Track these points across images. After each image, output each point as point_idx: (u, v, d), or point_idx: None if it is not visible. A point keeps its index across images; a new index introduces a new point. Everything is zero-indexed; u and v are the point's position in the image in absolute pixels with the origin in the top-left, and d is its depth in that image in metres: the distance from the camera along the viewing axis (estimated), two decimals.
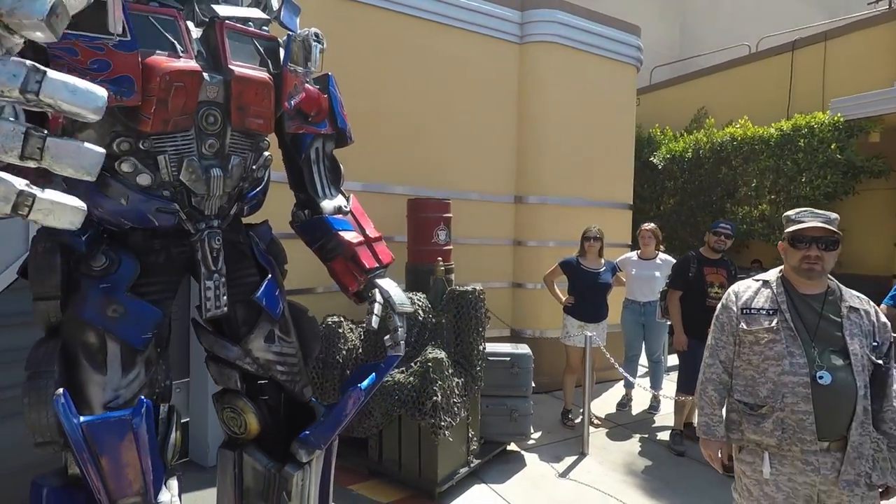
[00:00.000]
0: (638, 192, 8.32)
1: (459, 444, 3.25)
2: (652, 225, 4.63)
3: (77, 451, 1.13)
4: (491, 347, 3.64)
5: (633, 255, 4.68)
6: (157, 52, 1.27)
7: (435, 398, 2.94)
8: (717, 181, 7.50)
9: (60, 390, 1.14)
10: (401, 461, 3.19)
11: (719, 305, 2.02)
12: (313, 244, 1.82)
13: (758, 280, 1.97)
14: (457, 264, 4.20)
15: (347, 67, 4.10)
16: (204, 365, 1.77)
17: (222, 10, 1.44)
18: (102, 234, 1.40)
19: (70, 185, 1.39)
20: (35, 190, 0.77)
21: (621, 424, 4.42)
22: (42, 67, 0.75)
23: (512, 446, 3.81)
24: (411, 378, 3.07)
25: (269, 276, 1.66)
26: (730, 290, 2.02)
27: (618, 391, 5.08)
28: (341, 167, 1.88)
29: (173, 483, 1.43)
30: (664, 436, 4.13)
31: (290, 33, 1.56)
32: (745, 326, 1.87)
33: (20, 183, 0.76)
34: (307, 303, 1.94)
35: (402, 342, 1.77)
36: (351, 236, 1.77)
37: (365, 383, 1.62)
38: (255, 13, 1.53)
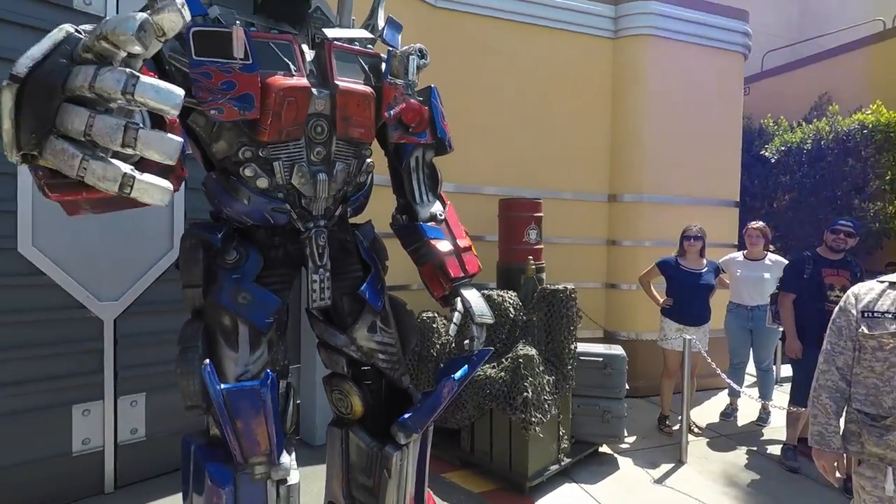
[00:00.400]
0: (747, 188, 7.73)
1: (550, 442, 3.27)
2: (760, 223, 4.31)
3: (219, 413, 1.34)
4: (583, 347, 3.61)
5: (739, 255, 4.38)
6: (275, 72, 1.46)
7: (525, 394, 2.99)
8: (843, 174, 6.76)
9: (207, 361, 1.35)
10: (492, 453, 3.27)
11: (836, 308, 1.89)
12: (408, 247, 1.94)
13: (882, 282, 1.82)
14: (548, 264, 4.21)
15: (439, 73, 4.26)
16: (313, 352, 1.97)
17: (331, 32, 1.62)
18: (234, 232, 1.63)
19: (207, 188, 1.64)
20: (135, 173, 0.94)
21: (724, 435, 4.16)
22: (137, 73, 0.90)
23: (604, 448, 3.75)
24: (502, 373, 3.14)
25: (372, 271, 1.82)
26: (849, 291, 1.88)
27: (721, 400, 4.79)
28: (440, 175, 1.98)
29: (291, 451, 1.62)
30: (774, 450, 3.84)
31: (391, 49, 1.71)
32: (866, 330, 1.73)
33: (126, 167, 0.93)
34: (404, 298, 2.08)
35: (482, 341, 1.83)
36: (442, 245, 1.85)
37: (458, 374, 1.71)
38: (361, 33, 1.69)
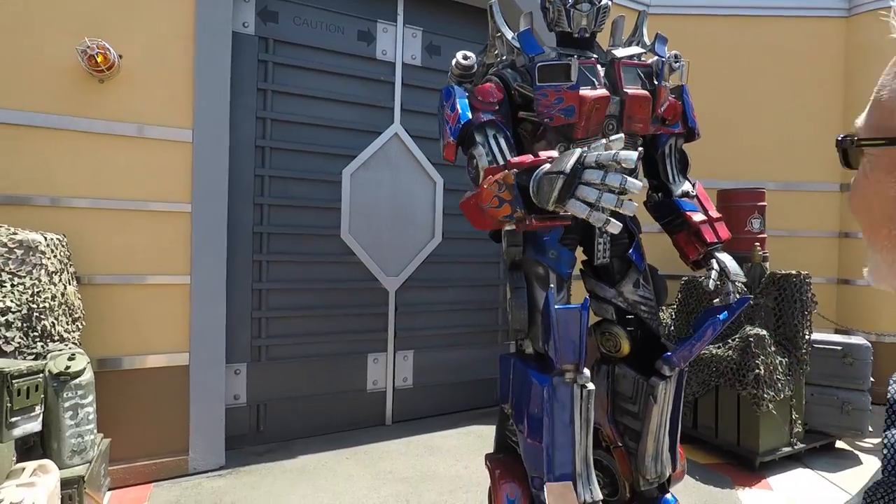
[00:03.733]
0: None
1: (782, 423, 3.31)
2: None
3: (551, 326, 1.89)
4: (819, 336, 3.55)
5: None
6: (584, 87, 1.98)
7: (757, 371, 3.12)
8: None
9: (552, 286, 1.91)
10: (717, 429, 3.43)
11: None
12: (662, 220, 2.31)
13: None
14: (770, 255, 4.16)
15: None
16: None
17: (618, 52, 2.10)
18: None
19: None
20: (609, 219, 1.32)
21: None
22: (627, 177, 1.30)
23: (842, 444, 3.60)
24: (730, 352, 3.30)
25: (636, 239, 2.25)
26: None
27: None
28: (689, 158, 2.34)
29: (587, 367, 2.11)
30: None
31: (661, 58, 2.13)
32: None
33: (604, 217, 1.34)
34: None
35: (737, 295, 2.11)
36: (696, 216, 2.17)
37: (721, 316, 2.03)
38: (638, 50, 2.15)
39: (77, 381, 2.16)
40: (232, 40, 3.30)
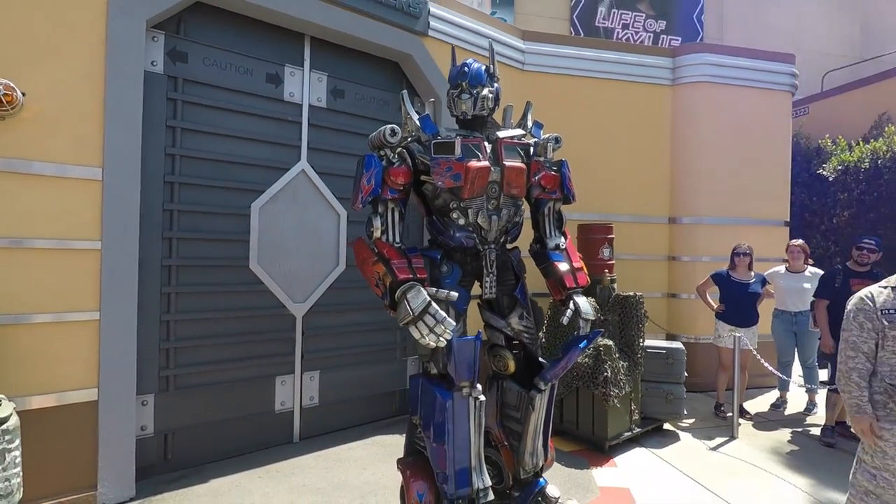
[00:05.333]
0: (806, 205, 8.30)
1: (624, 414, 4.18)
2: (800, 241, 5.10)
3: (451, 352, 2.38)
4: (650, 342, 4.51)
5: (781, 268, 5.15)
6: (471, 159, 2.54)
7: (606, 374, 3.94)
8: None
9: (454, 323, 2.39)
10: (578, 422, 4.22)
11: (853, 309, 2.37)
12: (539, 265, 2.94)
13: (885, 287, 2.33)
14: (618, 276, 5.12)
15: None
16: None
17: (501, 133, 2.70)
18: (445, 253, 2.70)
19: (430, 226, 2.73)
20: (434, 344, 2.25)
21: (773, 420, 4.91)
22: (451, 322, 2.34)
23: (667, 426, 4.60)
24: (586, 359, 4.10)
25: (521, 281, 2.85)
26: (861, 296, 2.37)
27: (773, 395, 5.50)
28: (565, 218, 2.97)
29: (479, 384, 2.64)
30: (816, 432, 4.56)
31: (537, 140, 2.77)
32: (887, 323, 2.24)
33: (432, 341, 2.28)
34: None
35: (589, 330, 2.77)
36: (561, 266, 2.79)
37: (581, 345, 2.68)
38: (518, 132, 2.76)
39: (4, 426, 2.22)
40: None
